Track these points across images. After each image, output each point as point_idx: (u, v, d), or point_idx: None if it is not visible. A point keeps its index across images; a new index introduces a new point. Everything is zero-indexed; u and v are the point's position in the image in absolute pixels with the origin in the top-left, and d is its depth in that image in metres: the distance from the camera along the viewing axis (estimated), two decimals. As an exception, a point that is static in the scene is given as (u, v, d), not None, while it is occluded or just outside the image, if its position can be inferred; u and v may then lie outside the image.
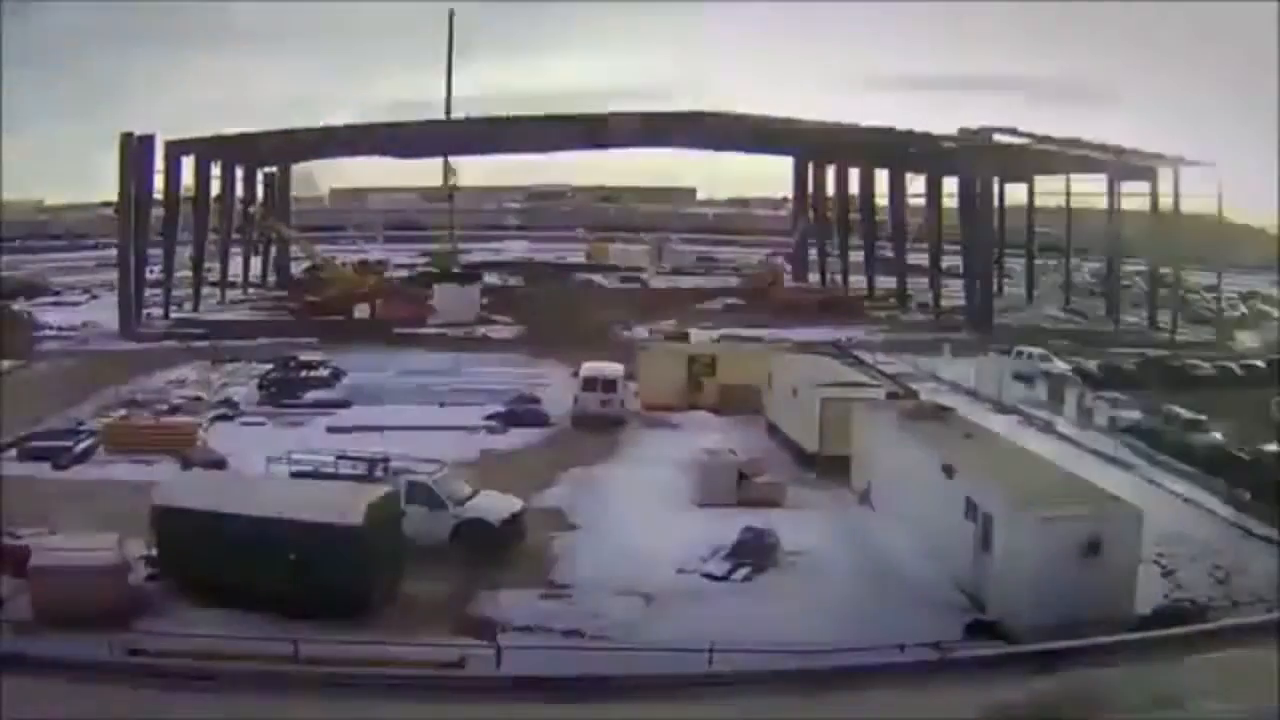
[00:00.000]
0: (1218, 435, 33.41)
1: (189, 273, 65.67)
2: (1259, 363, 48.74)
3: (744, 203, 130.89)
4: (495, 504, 23.57)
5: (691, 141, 75.60)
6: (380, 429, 33.79)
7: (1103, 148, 64.69)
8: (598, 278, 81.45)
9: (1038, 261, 78.24)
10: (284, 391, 40.73)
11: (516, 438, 35.32)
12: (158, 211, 62.04)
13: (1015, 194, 76.99)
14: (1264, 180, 66.34)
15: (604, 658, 18.63)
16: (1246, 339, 60.74)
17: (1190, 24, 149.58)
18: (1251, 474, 28.81)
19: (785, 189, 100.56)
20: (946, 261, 68.89)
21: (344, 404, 39.17)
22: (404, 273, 78.76)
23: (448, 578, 21.51)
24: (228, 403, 38.71)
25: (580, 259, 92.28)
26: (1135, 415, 37.00)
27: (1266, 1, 64.66)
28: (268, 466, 25.58)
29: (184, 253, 65.39)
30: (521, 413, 37.47)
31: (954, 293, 66.61)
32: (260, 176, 76.19)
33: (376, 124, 72.52)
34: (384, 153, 78.43)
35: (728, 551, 23.82)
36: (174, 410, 36.78)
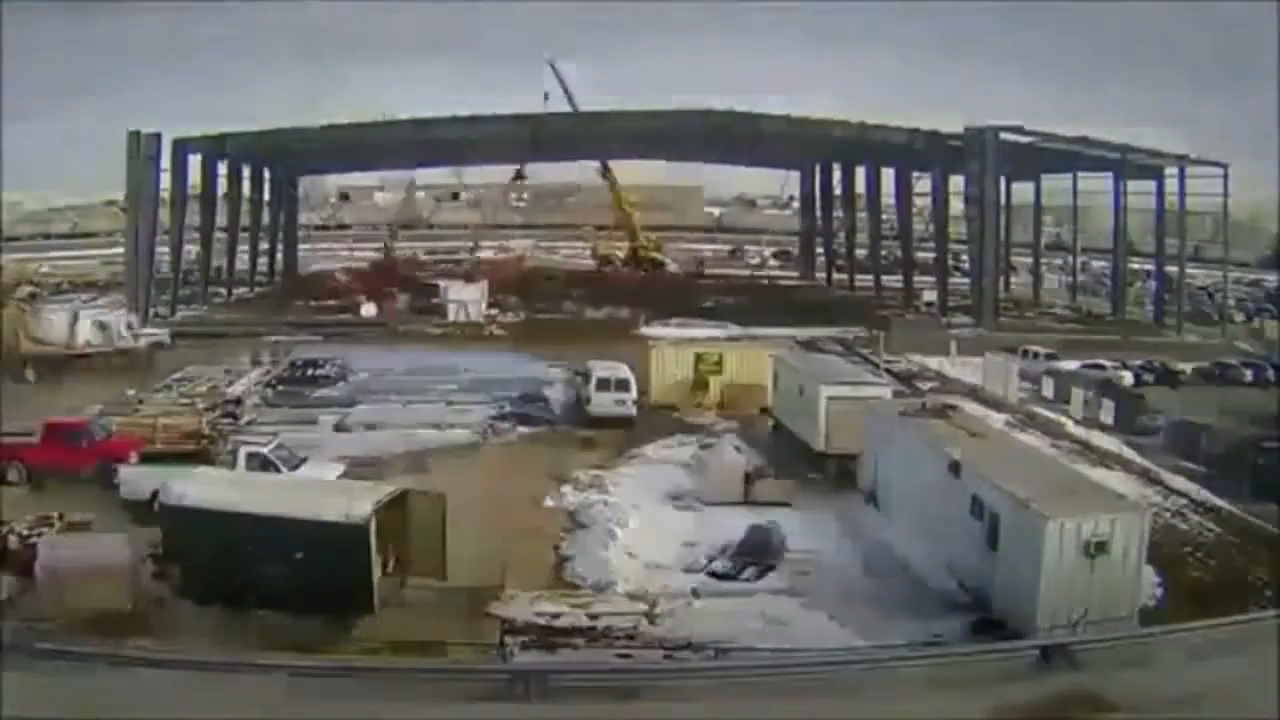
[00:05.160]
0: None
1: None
2: None
3: (750, 202, 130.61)
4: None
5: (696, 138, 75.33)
6: (387, 428, 33.79)
7: (1109, 146, 64.53)
8: None
9: (1044, 260, 78.10)
10: (291, 391, 40.75)
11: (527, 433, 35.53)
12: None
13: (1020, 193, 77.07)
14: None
15: (605, 657, 18.66)
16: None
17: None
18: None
19: (792, 188, 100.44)
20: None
21: (351, 403, 39.25)
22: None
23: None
24: (235, 402, 38.72)
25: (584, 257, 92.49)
26: None
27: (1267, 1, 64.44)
28: None
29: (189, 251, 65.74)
30: (528, 412, 37.42)
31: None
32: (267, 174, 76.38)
33: (385, 122, 72.09)
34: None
35: (735, 550, 23.83)
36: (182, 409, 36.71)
